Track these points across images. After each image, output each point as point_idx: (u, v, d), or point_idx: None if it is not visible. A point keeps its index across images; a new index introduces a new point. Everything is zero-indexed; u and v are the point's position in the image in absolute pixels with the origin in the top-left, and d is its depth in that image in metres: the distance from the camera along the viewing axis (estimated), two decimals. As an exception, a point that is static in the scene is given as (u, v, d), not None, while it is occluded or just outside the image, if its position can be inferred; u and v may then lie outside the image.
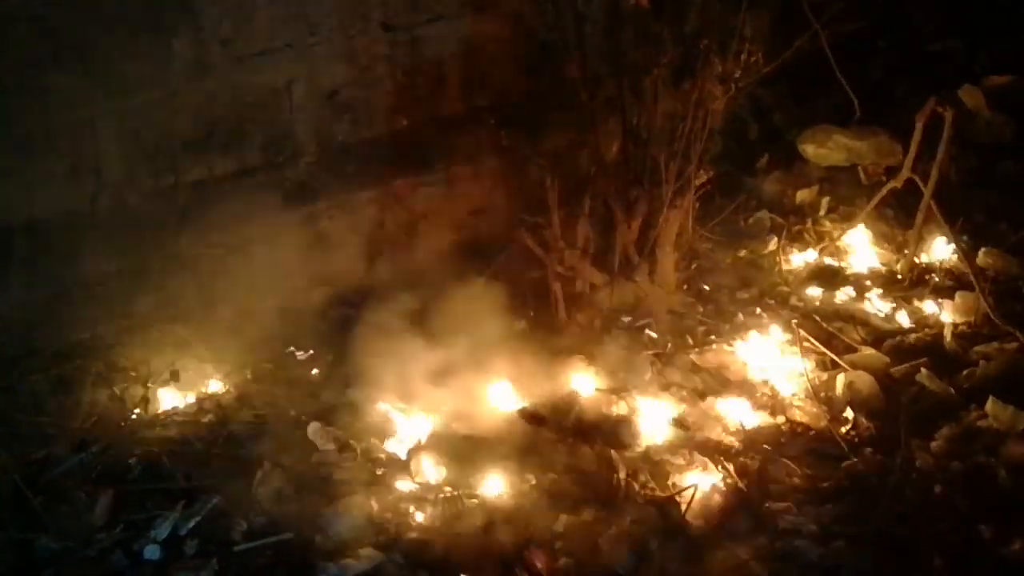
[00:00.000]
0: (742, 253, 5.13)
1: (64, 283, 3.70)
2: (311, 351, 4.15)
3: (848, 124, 5.59)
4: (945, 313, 4.46)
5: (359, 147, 4.34)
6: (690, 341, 4.31)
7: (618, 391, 3.87)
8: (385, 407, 3.75)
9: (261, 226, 4.15)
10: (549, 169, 4.47)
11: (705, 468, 3.42)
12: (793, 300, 4.64)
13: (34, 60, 3.47)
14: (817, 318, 4.39)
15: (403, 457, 3.50)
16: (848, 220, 5.24)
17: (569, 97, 4.65)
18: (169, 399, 3.80)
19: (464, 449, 3.46)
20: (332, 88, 4.21)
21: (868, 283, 4.80)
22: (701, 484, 3.31)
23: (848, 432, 3.64)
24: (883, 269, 4.96)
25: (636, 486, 3.33)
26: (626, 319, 4.49)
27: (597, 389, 3.89)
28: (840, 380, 3.87)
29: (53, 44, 3.49)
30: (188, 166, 3.93)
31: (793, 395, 3.90)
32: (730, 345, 4.25)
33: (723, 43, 4.57)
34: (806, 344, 4.15)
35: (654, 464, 3.45)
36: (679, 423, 3.69)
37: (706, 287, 4.82)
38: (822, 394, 3.86)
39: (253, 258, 4.15)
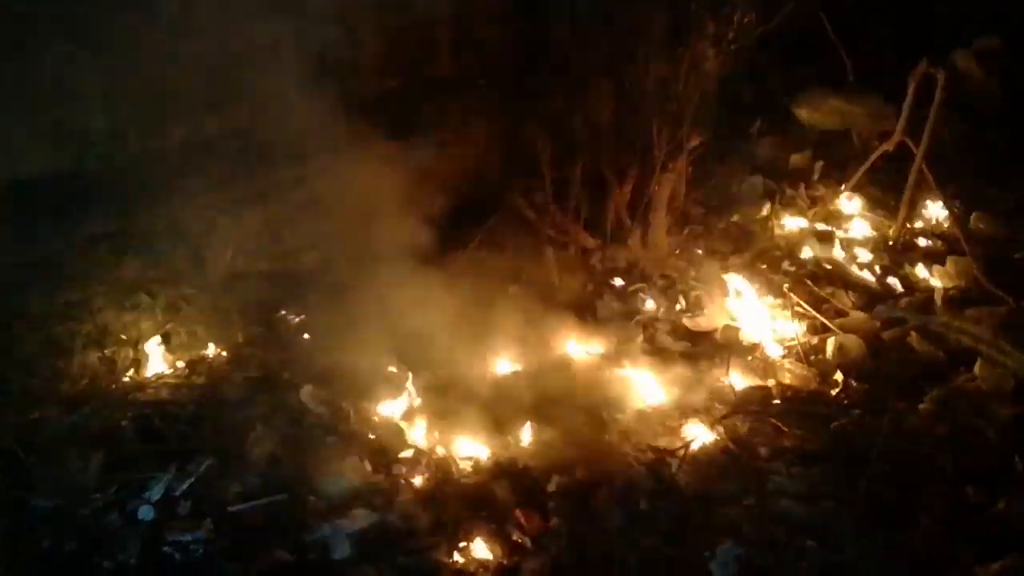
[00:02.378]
0: (735, 218, 5.15)
1: (53, 245, 3.66)
2: (303, 315, 4.15)
3: (842, 88, 5.58)
4: (935, 277, 4.48)
5: (348, 109, 4.29)
6: (682, 305, 4.32)
7: (610, 354, 3.88)
8: (378, 370, 3.75)
9: (250, 188, 4.12)
10: (541, 132, 4.46)
11: (695, 430, 3.44)
12: (785, 265, 4.66)
13: (17, 19, 3.42)
14: (808, 282, 4.41)
15: (397, 419, 3.51)
16: (841, 185, 5.25)
17: (561, 60, 4.62)
18: (160, 362, 3.79)
19: (457, 412, 3.47)
20: (320, 48, 4.15)
21: (860, 248, 4.82)
22: (691, 446, 3.33)
23: (837, 394, 3.67)
24: (875, 234, 4.98)
25: (627, 447, 3.35)
26: (618, 283, 4.50)
27: (589, 352, 3.90)
28: (830, 343, 3.90)
29: (37, 2, 3.43)
30: (175, 126, 3.87)
31: (783, 358, 3.92)
32: (722, 309, 4.26)
33: (716, 4, 4.54)
34: (797, 308, 4.17)
35: (645, 426, 3.48)
36: (670, 385, 3.71)
37: (699, 251, 4.84)
38: (812, 357, 3.89)
39: (243, 220, 4.12)
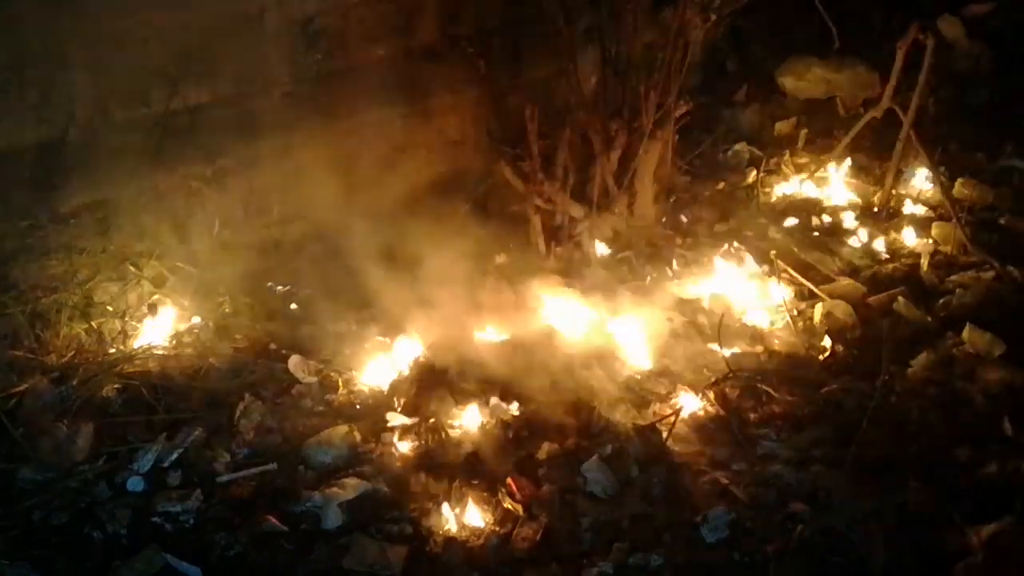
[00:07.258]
0: (721, 185, 5.15)
1: (38, 216, 3.63)
2: (289, 285, 4.13)
3: (827, 56, 5.56)
4: (921, 243, 4.49)
5: (334, 77, 4.26)
6: (669, 273, 4.32)
7: (598, 322, 3.88)
8: (366, 339, 3.74)
9: (235, 158, 4.08)
10: (528, 100, 4.43)
11: (685, 397, 3.45)
12: (771, 232, 4.66)
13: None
14: (795, 249, 4.41)
15: (385, 389, 3.50)
16: (826, 152, 5.25)
17: (548, 27, 4.58)
18: (147, 333, 3.76)
19: (446, 380, 3.46)
20: (306, 16, 4.11)
21: (845, 215, 4.82)
22: (681, 412, 3.34)
23: (826, 360, 3.68)
24: (860, 201, 4.98)
25: (617, 415, 3.35)
26: (605, 251, 4.49)
27: (577, 320, 3.89)
28: (818, 309, 3.91)
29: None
30: (160, 97, 3.83)
31: (772, 325, 3.92)
32: (709, 277, 4.26)
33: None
34: (784, 275, 4.17)
35: (635, 393, 3.48)
36: (659, 353, 3.71)
37: (684, 219, 4.84)
38: (800, 324, 3.89)
39: (228, 191, 4.09)
